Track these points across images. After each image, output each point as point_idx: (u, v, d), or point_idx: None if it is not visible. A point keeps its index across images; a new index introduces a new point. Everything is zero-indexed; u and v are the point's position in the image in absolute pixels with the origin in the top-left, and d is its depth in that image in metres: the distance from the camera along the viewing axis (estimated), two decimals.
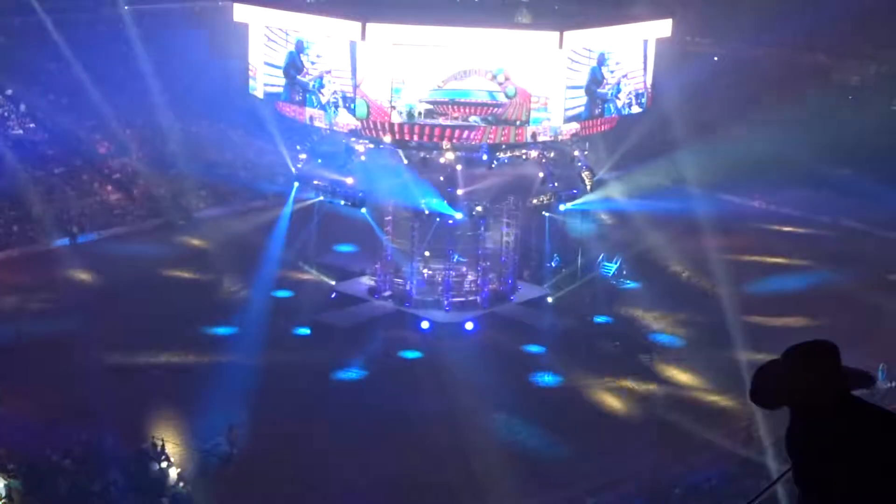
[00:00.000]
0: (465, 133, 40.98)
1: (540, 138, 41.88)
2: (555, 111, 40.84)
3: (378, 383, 38.71)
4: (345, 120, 41.32)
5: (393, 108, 40.02)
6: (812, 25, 61.36)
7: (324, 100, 41.23)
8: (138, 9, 60.93)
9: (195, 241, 50.92)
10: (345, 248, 48.76)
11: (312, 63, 41.19)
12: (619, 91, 42.39)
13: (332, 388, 38.31)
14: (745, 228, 53.49)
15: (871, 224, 53.63)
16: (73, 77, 55.78)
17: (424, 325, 42.81)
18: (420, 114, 40.10)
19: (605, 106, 42.41)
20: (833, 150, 55.77)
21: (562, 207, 45.36)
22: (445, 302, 43.95)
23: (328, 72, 40.76)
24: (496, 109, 40.32)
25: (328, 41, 40.73)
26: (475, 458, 32.97)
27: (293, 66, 41.68)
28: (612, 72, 42.03)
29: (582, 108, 41.61)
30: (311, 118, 42.48)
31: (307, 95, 41.63)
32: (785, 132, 55.65)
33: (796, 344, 5.78)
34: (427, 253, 44.50)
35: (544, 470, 33.77)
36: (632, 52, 42.58)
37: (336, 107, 40.92)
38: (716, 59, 65.13)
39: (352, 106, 40.39)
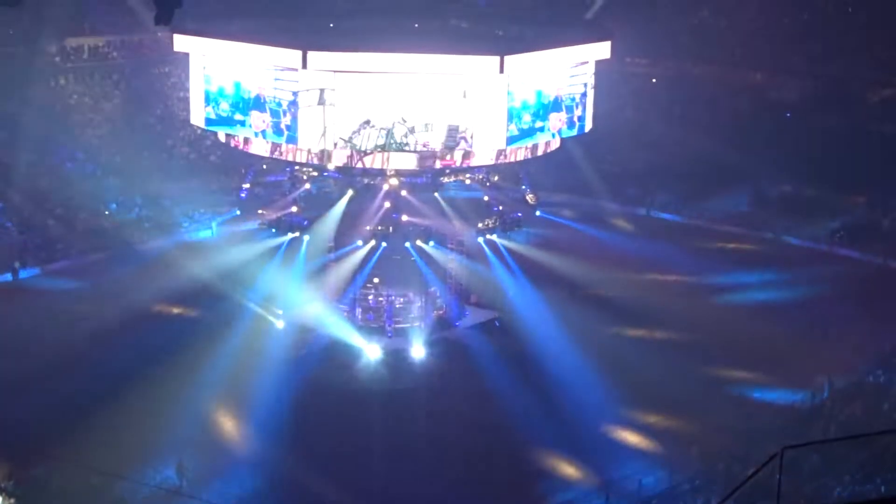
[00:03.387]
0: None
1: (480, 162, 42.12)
2: (497, 136, 41.02)
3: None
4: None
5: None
6: (749, 44, 62.39)
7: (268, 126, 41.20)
8: (78, 40, 60.56)
9: (137, 274, 50.72)
10: None
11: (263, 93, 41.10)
12: (564, 112, 42.71)
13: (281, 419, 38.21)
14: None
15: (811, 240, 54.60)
16: (13, 111, 55.29)
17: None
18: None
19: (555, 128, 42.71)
20: (774, 167, 56.70)
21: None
22: (388, 328, 43.97)
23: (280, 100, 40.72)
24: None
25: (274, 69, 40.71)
26: None
27: (240, 96, 41.61)
28: (556, 94, 42.35)
29: (521, 132, 41.82)
30: (250, 146, 42.44)
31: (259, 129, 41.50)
32: (724, 149, 56.45)
33: None
34: (376, 279, 44.49)
35: None
36: (572, 75, 42.93)
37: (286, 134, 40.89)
38: (654, 80, 65.92)
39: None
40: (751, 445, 33.85)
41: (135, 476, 34.19)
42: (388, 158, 40.44)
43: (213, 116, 42.48)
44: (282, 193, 45.03)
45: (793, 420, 37.37)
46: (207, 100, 42.37)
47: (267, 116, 40.99)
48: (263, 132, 41.42)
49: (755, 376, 41.43)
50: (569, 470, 35.31)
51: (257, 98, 41.10)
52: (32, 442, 35.34)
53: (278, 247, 46.39)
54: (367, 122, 39.78)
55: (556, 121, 42.62)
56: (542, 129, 42.31)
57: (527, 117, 41.62)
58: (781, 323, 45.09)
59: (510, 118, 41.04)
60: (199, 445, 36.07)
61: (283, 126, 40.68)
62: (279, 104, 40.55)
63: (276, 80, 40.59)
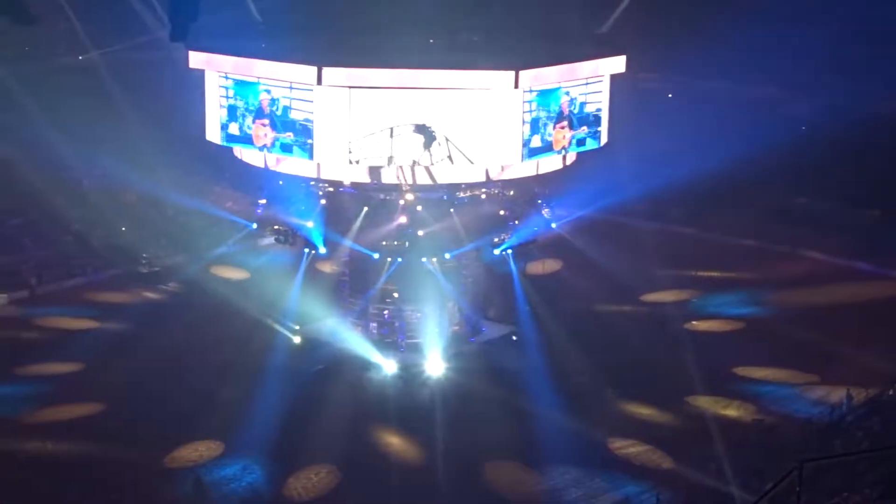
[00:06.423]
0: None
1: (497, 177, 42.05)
2: (514, 149, 40.94)
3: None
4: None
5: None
6: (761, 59, 62.32)
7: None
8: (94, 57, 60.84)
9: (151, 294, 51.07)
10: None
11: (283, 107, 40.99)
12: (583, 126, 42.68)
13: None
14: None
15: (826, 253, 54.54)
16: (30, 128, 55.53)
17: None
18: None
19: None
20: (789, 180, 56.68)
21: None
22: (401, 343, 43.92)
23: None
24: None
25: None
26: None
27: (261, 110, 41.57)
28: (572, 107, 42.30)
29: (546, 144, 41.77)
30: (271, 161, 42.37)
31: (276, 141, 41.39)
32: (738, 163, 56.40)
33: None
34: (395, 294, 44.45)
35: None
36: (588, 89, 42.90)
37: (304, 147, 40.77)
38: (670, 95, 65.89)
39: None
40: (769, 459, 33.73)
41: (151, 493, 34.29)
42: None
43: (236, 133, 42.32)
44: (298, 209, 45.04)
45: (811, 434, 37.25)
46: (233, 116, 42.21)
47: (269, 131, 40.95)
48: (268, 147, 41.31)
49: (773, 391, 41.46)
50: (588, 485, 35.20)
51: (261, 110, 41.07)
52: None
53: (294, 261, 46.54)
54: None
55: (564, 138, 42.48)
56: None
57: (551, 128, 41.57)
58: (796, 336, 45.08)
59: (534, 129, 41.00)
60: (214, 462, 36.13)
61: (295, 141, 40.61)
62: (296, 120, 40.49)
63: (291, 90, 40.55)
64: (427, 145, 39.66)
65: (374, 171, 40.50)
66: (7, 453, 35.93)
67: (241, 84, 41.64)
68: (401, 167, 40.03)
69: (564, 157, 42.87)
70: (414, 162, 39.71)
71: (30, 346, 45.02)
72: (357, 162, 39.77)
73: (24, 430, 37.67)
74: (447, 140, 39.62)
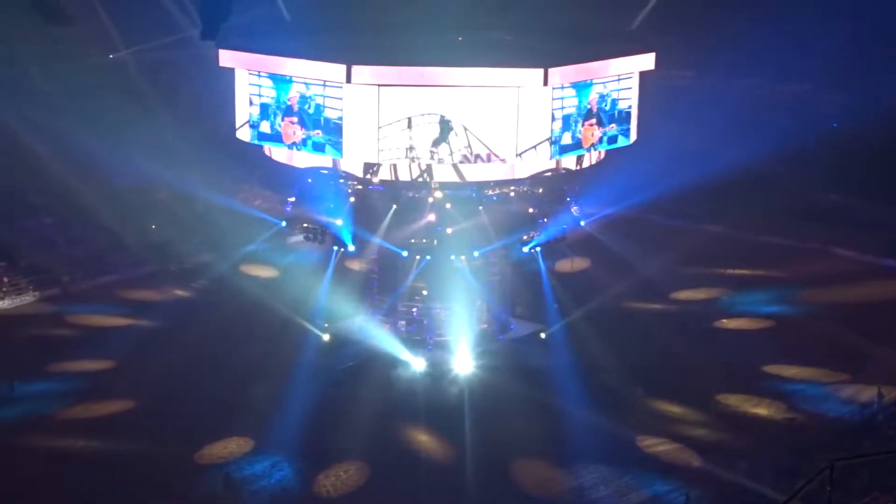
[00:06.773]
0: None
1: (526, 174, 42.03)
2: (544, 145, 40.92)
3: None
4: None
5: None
6: (788, 57, 62.07)
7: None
8: (125, 56, 61.17)
9: (181, 291, 51.38)
10: None
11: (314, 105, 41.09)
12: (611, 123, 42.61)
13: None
14: None
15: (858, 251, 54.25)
16: (63, 127, 55.87)
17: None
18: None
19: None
20: (819, 178, 56.42)
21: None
22: (429, 341, 43.99)
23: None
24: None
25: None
26: None
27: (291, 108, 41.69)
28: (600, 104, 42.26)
29: (577, 141, 41.73)
30: (288, 155, 42.54)
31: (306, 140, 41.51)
32: (770, 161, 56.20)
33: None
34: (424, 292, 44.50)
35: None
36: (619, 86, 42.84)
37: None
38: (697, 93, 65.60)
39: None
40: (799, 458, 33.62)
41: (181, 490, 34.47)
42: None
43: (267, 132, 42.38)
44: (327, 207, 45.17)
45: (842, 433, 37.08)
46: (265, 114, 42.29)
47: (298, 128, 41.03)
48: (298, 145, 41.35)
49: (803, 389, 41.31)
50: (618, 483, 35.18)
51: (290, 108, 41.15)
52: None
53: (323, 259, 46.64)
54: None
55: (592, 135, 42.36)
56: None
57: (580, 126, 41.45)
58: (827, 334, 44.90)
59: (565, 126, 40.94)
60: (244, 459, 36.34)
61: (327, 139, 40.69)
62: (329, 118, 40.57)
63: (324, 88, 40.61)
64: (445, 139, 39.69)
65: (389, 167, 40.59)
66: (39, 450, 36.23)
67: (276, 79, 41.73)
68: (417, 159, 40.07)
69: (580, 158, 42.80)
70: (433, 154, 39.79)
71: (62, 343, 45.35)
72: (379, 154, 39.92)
73: (56, 427, 37.99)
74: (466, 131, 39.61)
